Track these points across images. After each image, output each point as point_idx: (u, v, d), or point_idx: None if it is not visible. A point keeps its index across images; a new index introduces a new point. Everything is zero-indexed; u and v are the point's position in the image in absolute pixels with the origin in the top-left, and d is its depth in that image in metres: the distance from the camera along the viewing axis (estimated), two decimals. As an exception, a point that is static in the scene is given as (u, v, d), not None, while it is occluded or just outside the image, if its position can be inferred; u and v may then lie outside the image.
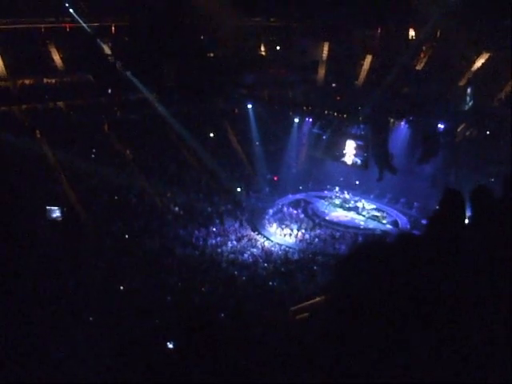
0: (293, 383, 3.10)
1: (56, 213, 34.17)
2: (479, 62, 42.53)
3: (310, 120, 44.90)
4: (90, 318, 23.42)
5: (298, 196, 43.71)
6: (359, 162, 41.19)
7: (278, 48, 51.20)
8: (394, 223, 38.51)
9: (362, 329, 1.85)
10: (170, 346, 18.14)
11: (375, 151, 38.73)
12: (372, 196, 42.15)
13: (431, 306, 1.97)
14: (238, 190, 42.49)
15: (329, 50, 49.76)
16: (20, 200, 30.89)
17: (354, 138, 41.42)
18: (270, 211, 40.52)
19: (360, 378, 1.86)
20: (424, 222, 35.24)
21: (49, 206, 34.04)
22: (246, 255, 33.22)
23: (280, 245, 35.48)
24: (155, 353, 18.26)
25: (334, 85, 48.49)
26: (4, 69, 41.65)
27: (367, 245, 2.06)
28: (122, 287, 27.95)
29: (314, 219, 39.58)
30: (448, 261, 2.08)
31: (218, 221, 37.71)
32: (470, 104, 40.53)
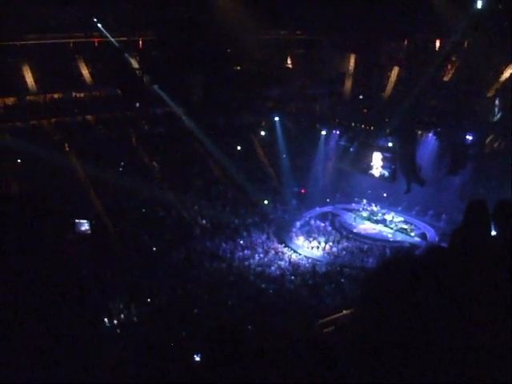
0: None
1: (85, 226, 34.36)
2: (507, 73, 42.19)
3: (337, 132, 44.82)
4: (118, 331, 23.51)
5: (326, 209, 43.55)
6: (387, 174, 40.95)
7: (304, 61, 51.17)
8: (422, 236, 38.19)
9: (389, 343, 1.82)
10: (197, 358, 18.10)
11: (403, 163, 38.53)
12: (400, 208, 41.84)
13: (460, 320, 1.94)
14: (265, 202, 42.48)
15: (355, 63, 49.69)
16: (49, 213, 31.07)
17: (382, 150, 41.22)
18: (298, 224, 40.43)
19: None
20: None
21: (77, 219, 34.24)
22: (273, 268, 33.16)
23: (307, 257, 35.36)
24: (182, 365, 18.26)
25: (360, 97, 48.34)
26: (34, 83, 42.19)
27: (395, 258, 2.03)
28: (149, 299, 28.04)
29: (342, 232, 39.41)
30: (474, 272, 2.05)
31: (245, 233, 37.71)
32: (499, 115, 40.21)
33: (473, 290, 1.98)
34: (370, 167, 41.99)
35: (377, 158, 41.49)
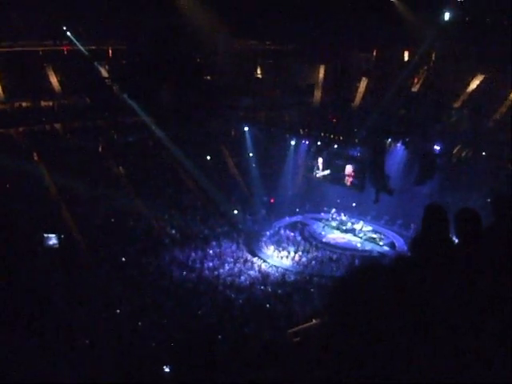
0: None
1: (52, 240, 34.04)
2: (474, 84, 42.76)
3: (307, 142, 45.01)
4: (87, 341, 23.32)
5: (295, 218, 43.67)
6: (356, 183, 41.15)
7: (274, 71, 51.33)
8: (391, 245, 38.48)
9: (356, 351, 1.86)
10: (167, 369, 18.04)
11: (372, 173, 38.75)
12: (369, 218, 42.13)
13: (427, 327, 1.99)
14: (235, 212, 42.48)
15: (325, 73, 49.97)
16: (17, 225, 30.86)
17: (351, 160, 41.44)
18: (267, 233, 40.49)
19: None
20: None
21: (46, 233, 33.92)
22: (242, 278, 33.11)
23: (277, 267, 35.41)
24: (152, 376, 18.18)
25: (329, 107, 48.61)
26: (1, 91, 41.83)
27: (361, 267, 2.08)
28: (118, 310, 27.85)
29: (311, 241, 39.51)
30: (437, 279, 2.10)
31: (214, 243, 37.67)
32: (466, 125, 40.72)
33: (436, 296, 2.03)
34: (340, 177, 42.12)
35: (347, 169, 41.64)
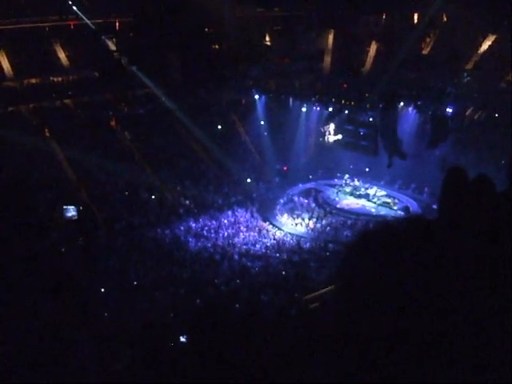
0: (305, 377, 3.10)
1: (71, 212, 34.23)
2: (485, 45, 42.33)
3: (318, 109, 44.82)
4: (105, 314, 23.52)
5: (309, 185, 43.62)
6: (368, 148, 40.96)
7: (282, 38, 50.99)
8: (405, 209, 38.38)
9: (370, 319, 1.83)
10: (183, 339, 18.18)
11: (384, 137, 38.60)
12: (382, 182, 42.01)
13: (443, 293, 1.95)
14: (248, 180, 42.48)
15: (334, 39, 49.58)
16: (33, 199, 31.04)
17: (363, 125, 41.24)
18: (281, 201, 40.50)
19: (368, 372, 1.84)
20: (435, 206, 35.21)
21: (64, 205, 34.12)
22: (257, 246, 33.23)
23: (292, 234, 35.50)
24: (168, 346, 18.33)
25: (340, 73, 48.31)
26: (10, 69, 41.78)
27: (374, 230, 2.03)
28: (135, 282, 28.04)
29: (325, 208, 39.51)
30: (458, 244, 2.06)
31: (229, 212, 37.75)
32: (478, 87, 40.41)
33: (457, 261, 1.99)
34: (352, 142, 41.88)
35: (359, 133, 41.40)
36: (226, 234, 34.75)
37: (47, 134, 39.33)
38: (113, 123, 43.43)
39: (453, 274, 1.90)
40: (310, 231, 36.07)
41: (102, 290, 26.12)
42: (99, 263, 28.99)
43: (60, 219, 33.60)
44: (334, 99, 42.27)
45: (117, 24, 44.72)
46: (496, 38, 41.62)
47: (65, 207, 34.03)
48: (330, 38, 49.63)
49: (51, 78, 44.44)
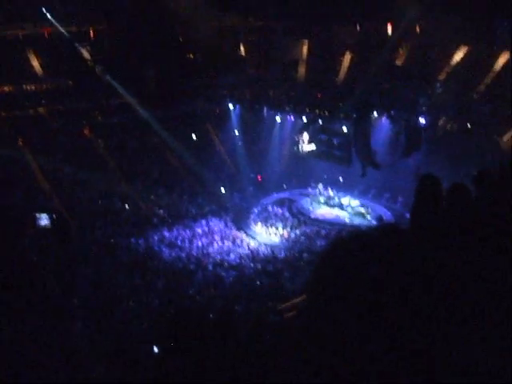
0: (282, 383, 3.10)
1: (44, 220, 33.98)
2: (458, 56, 42.69)
3: (292, 118, 44.97)
4: (78, 323, 23.35)
5: (283, 195, 43.71)
6: (342, 158, 41.08)
7: (257, 47, 51.08)
8: (379, 218, 38.57)
9: (342, 326, 1.84)
10: (156, 350, 18.06)
11: (357, 147, 38.76)
12: (356, 192, 42.15)
13: (416, 296, 1.97)
14: (222, 190, 42.47)
15: (308, 48, 49.73)
16: (9, 209, 30.85)
17: (337, 134, 41.37)
18: (255, 210, 40.54)
19: (344, 375, 1.86)
20: (408, 215, 35.37)
21: (37, 212, 33.88)
22: (232, 255, 33.19)
23: (266, 244, 35.51)
24: (142, 357, 18.22)
25: (314, 83, 48.46)
26: (-18, 77, 41.48)
27: (348, 240, 2.05)
28: (108, 291, 27.89)
29: (299, 217, 39.55)
30: (430, 249, 2.08)
31: (203, 222, 37.70)
32: (451, 98, 40.72)
33: (429, 268, 2.01)
34: (325, 152, 42.00)
35: (332, 143, 41.53)
36: (200, 243, 34.68)
37: (20, 143, 39.04)
38: (87, 132, 43.22)
39: (424, 282, 1.92)
40: (284, 241, 36.11)
41: (75, 299, 25.97)
42: (72, 272, 28.81)
43: (32, 227, 33.36)
44: (308, 109, 42.40)
45: (91, 32, 44.55)
46: (468, 49, 41.98)
47: (37, 215, 33.80)
48: (305, 47, 49.77)
49: (24, 87, 44.10)
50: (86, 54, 43.62)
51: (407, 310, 1.89)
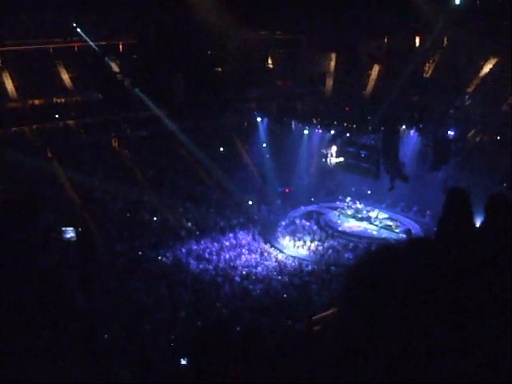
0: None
1: (70, 233, 34.19)
2: (487, 68, 42.47)
3: (320, 131, 44.92)
4: (105, 336, 23.37)
5: (310, 207, 43.58)
6: (370, 171, 40.92)
7: (285, 61, 51.22)
8: (407, 232, 38.29)
9: (373, 341, 1.82)
10: (184, 362, 18.03)
11: (386, 160, 38.63)
12: (384, 205, 41.95)
13: (447, 312, 1.94)
14: (250, 203, 42.45)
15: (336, 62, 49.78)
16: (36, 221, 31.05)
17: (365, 147, 41.25)
18: (283, 223, 40.43)
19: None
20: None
21: (63, 226, 34.08)
22: (259, 268, 33.15)
23: (293, 257, 35.41)
24: (169, 369, 18.19)
25: (342, 96, 48.41)
26: (14, 90, 42.01)
27: (376, 253, 2.02)
28: (135, 303, 27.93)
29: (327, 230, 39.40)
30: (460, 263, 2.05)
31: (230, 235, 37.69)
32: (480, 110, 40.48)
33: (459, 280, 1.98)
34: (354, 165, 41.89)
35: (360, 156, 41.41)
36: (227, 256, 34.66)
37: (49, 155, 39.42)
38: (115, 144, 43.56)
39: (454, 295, 1.89)
40: (311, 254, 35.98)
41: (102, 312, 26.01)
42: (98, 285, 28.87)
43: (58, 240, 33.53)
44: (335, 122, 42.36)
45: (120, 46, 45.00)
46: (497, 61, 41.75)
47: (63, 229, 34.00)
48: (333, 60, 49.84)
49: (54, 99, 44.64)
50: (114, 68, 44.09)
51: (438, 323, 1.86)
